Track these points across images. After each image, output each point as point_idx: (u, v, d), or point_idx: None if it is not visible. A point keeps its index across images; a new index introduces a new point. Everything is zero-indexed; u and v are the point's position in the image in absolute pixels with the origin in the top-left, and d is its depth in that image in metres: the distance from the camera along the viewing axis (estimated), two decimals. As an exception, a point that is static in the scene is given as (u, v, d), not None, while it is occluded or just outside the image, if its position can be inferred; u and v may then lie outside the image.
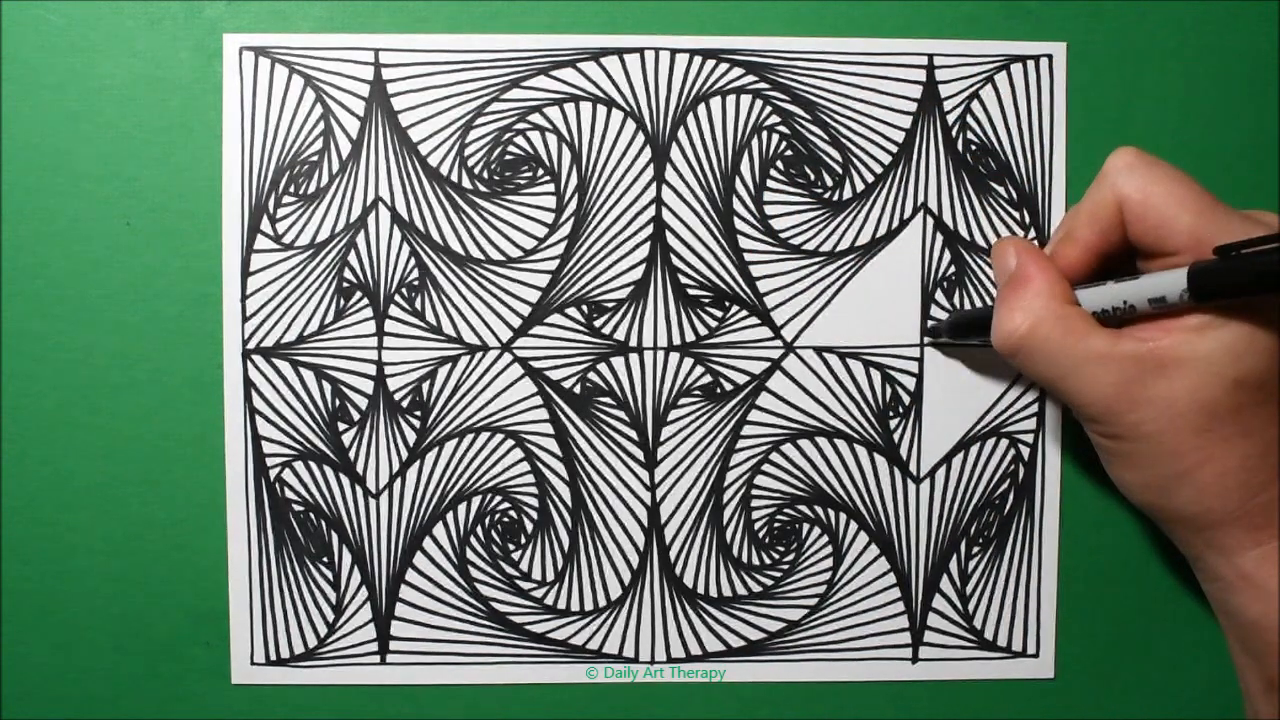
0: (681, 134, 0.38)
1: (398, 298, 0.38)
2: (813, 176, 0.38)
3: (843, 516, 0.39)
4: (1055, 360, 0.32)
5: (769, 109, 0.38)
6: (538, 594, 0.39)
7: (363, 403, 0.38)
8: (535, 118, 0.38)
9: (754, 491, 0.39)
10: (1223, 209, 0.31)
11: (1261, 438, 0.30)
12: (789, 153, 0.38)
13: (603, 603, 0.39)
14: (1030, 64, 0.38)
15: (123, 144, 0.37)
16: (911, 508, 0.39)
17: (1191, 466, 0.31)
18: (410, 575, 0.38)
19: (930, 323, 0.38)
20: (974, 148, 0.38)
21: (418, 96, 0.37)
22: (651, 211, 0.38)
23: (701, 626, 0.39)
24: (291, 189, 0.37)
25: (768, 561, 0.39)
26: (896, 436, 0.39)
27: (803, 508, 0.39)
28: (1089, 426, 0.33)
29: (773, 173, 0.38)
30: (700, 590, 0.39)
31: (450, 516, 0.38)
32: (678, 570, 0.39)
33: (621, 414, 0.38)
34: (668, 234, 0.38)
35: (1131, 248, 0.33)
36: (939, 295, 0.38)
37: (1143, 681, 0.39)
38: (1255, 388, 0.30)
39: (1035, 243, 0.38)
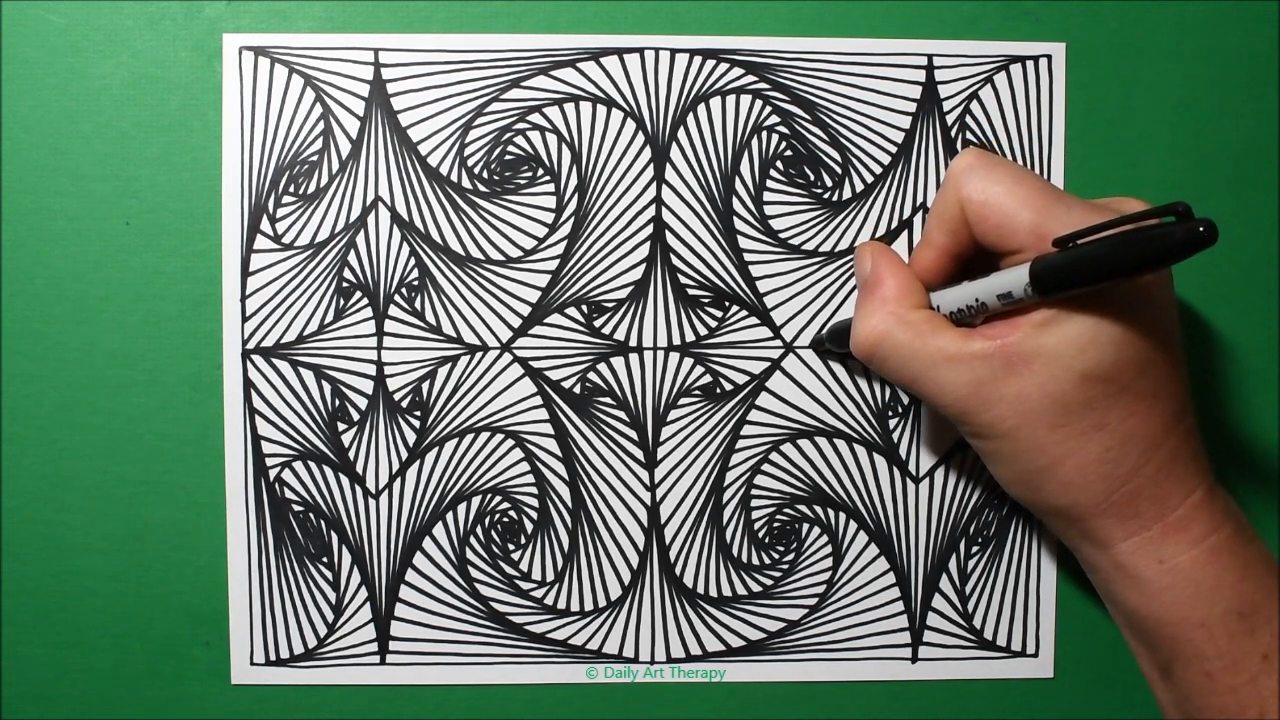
0: (681, 134, 0.38)
1: (397, 298, 0.38)
2: (812, 177, 0.38)
3: (842, 516, 0.39)
4: (908, 364, 0.32)
5: (769, 109, 0.38)
6: (537, 594, 0.39)
7: (362, 403, 0.38)
8: (535, 118, 0.38)
9: (754, 491, 0.39)
10: (1065, 203, 0.30)
11: (1118, 430, 0.30)
12: (789, 153, 0.38)
13: (602, 603, 0.39)
14: (1030, 64, 0.38)
15: (122, 144, 0.37)
16: (911, 507, 0.39)
17: (1053, 461, 0.31)
18: (410, 575, 0.38)
19: (814, 335, 0.38)
20: (973, 148, 0.38)
21: (418, 96, 0.37)
22: (651, 211, 0.38)
23: (701, 626, 0.39)
24: (291, 189, 0.37)
25: (767, 561, 0.39)
26: (896, 436, 0.39)
27: (802, 507, 0.39)
28: (956, 426, 0.33)
29: (772, 173, 0.38)
30: (700, 590, 0.39)
31: (450, 516, 0.38)
32: (678, 570, 0.39)
33: (621, 414, 0.38)
34: (668, 234, 0.38)
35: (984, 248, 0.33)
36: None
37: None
38: (1104, 380, 0.30)
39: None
